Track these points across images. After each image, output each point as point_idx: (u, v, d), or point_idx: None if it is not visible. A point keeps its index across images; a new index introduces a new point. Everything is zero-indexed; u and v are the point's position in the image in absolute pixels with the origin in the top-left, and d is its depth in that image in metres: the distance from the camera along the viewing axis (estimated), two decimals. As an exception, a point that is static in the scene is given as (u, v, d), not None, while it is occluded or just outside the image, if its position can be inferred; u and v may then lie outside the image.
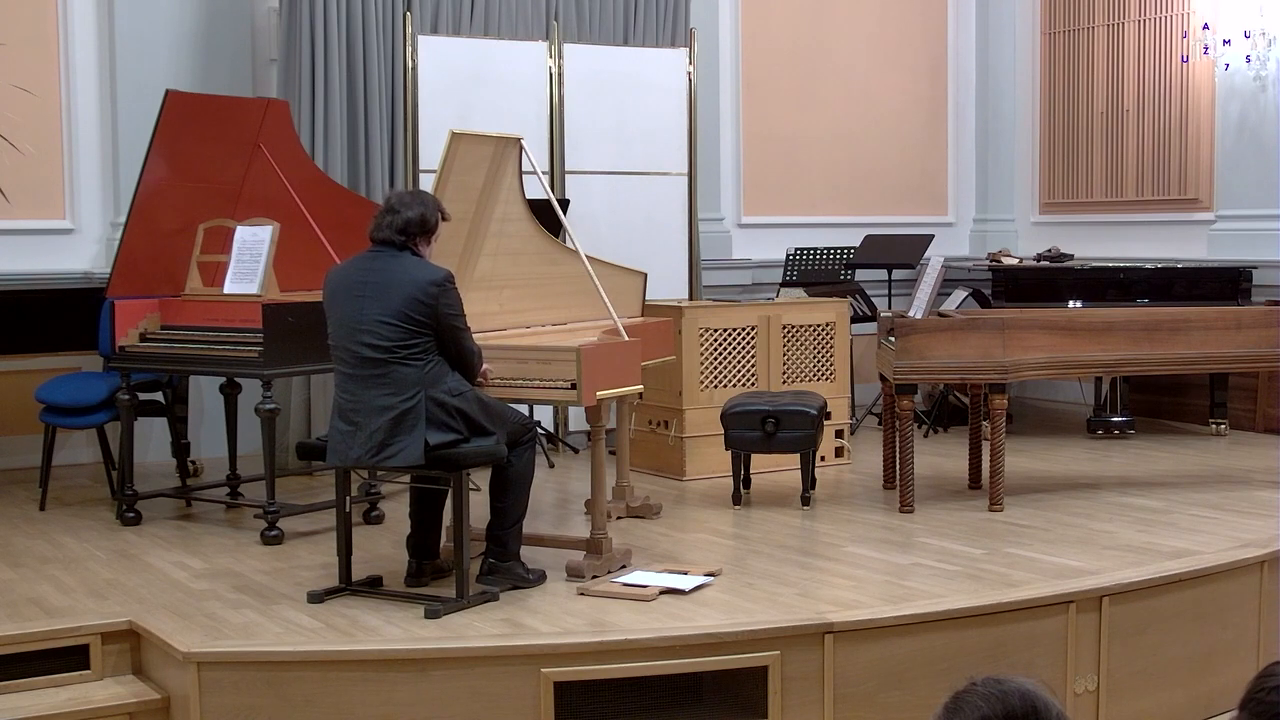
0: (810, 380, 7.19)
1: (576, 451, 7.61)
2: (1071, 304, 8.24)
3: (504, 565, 4.78)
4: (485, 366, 4.83)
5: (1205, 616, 5.01)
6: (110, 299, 5.99)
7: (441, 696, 4.09)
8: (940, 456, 7.41)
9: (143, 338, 5.96)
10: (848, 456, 7.32)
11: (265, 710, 4.09)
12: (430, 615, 4.44)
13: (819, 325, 7.27)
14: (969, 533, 5.64)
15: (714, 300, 7.80)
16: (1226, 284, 8.12)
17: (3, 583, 4.99)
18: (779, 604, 4.60)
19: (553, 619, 4.45)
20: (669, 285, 7.89)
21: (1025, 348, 6.01)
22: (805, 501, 6.24)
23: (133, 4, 7.26)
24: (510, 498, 4.80)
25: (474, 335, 4.71)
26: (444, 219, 4.72)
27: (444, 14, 7.67)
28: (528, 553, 4.93)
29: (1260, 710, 1.85)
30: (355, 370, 4.55)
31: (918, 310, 6.23)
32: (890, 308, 7.96)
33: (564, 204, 6.97)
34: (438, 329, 4.52)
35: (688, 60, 8.15)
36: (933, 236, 8.77)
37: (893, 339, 6.07)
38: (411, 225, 4.58)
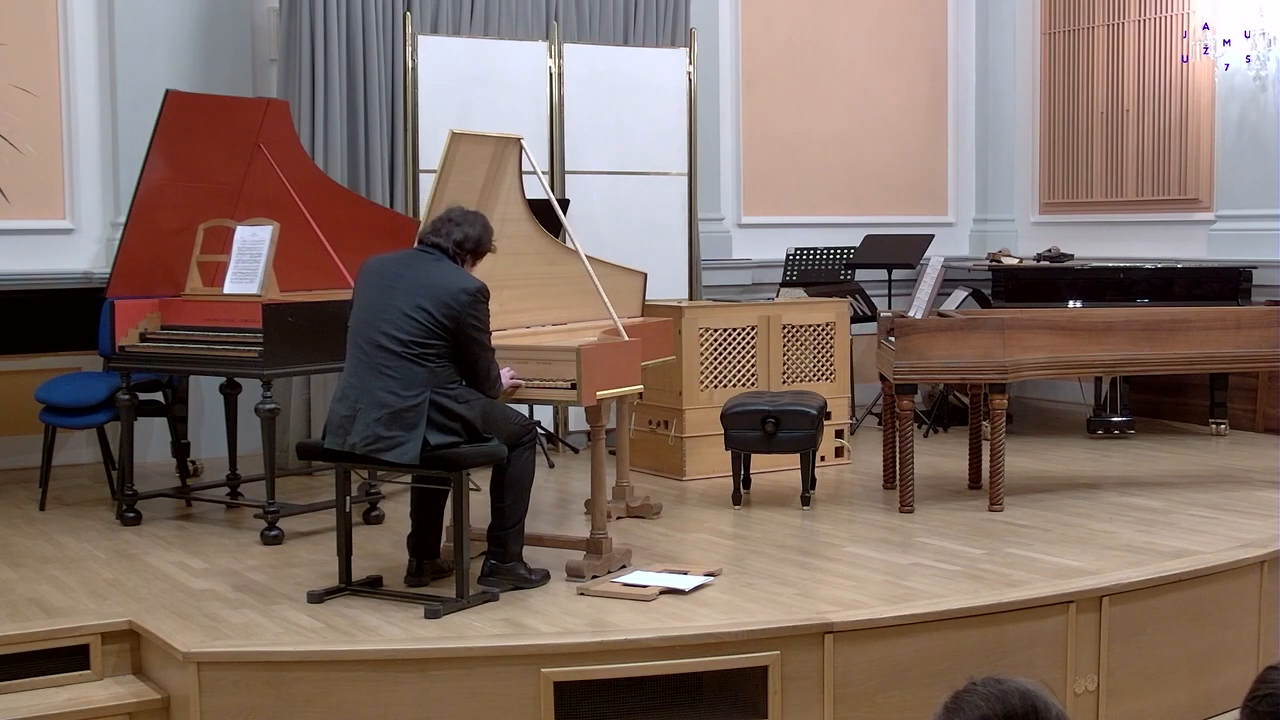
0: (810, 380, 7.19)
1: (576, 451, 7.61)
2: (1071, 304, 8.24)
3: (505, 566, 4.79)
4: (511, 374, 4.87)
5: (1205, 616, 5.01)
6: (110, 299, 5.99)
7: (441, 696, 4.10)
8: (940, 456, 7.41)
9: (143, 338, 5.96)
10: (848, 456, 7.32)
11: (265, 710, 4.09)
12: (430, 615, 4.44)
13: (819, 325, 7.27)
14: (969, 533, 5.64)
15: (714, 300, 7.80)
16: (1226, 284, 8.12)
17: (3, 583, 4.99)
18: (779, 604, 4.60)
19: (553, 619, 4.45)
20: (669, 285, 7.89)
21: (1025, 348, 6.00)
22: (805, 501, 6.24)
23: (133, 4, 7.26)
24: (510, 499, 4.80)
25: None
26: (492, 250, 4.80)
27: (444, 14, 7.67)
28: (528, 552, 4.92)
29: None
30: (367, 357, 4.55)
31: (918, 310, 6.23)
32: (890, 308, 7.96)
33: (564, 204, 6.97)
34: (456, 337, 4.52)
35: (688, 60, 8.15)
36: (933, 236, 8.77)
37: (893, 339, 6.07)
38: (469, 241, 4.68)
